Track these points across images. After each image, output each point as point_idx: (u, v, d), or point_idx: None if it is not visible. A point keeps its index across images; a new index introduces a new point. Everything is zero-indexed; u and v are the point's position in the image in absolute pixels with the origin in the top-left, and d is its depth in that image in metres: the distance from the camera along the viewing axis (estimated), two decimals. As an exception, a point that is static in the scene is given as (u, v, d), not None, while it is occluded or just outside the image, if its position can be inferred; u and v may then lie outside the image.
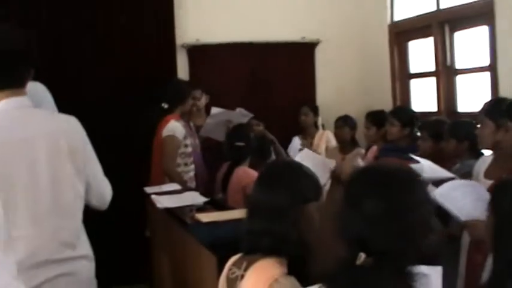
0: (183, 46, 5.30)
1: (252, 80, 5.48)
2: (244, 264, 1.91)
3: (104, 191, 2.45)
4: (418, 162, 2.92)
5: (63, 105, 2.75)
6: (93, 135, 2.43)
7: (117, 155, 4.46)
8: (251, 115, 4.68)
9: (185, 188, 3.90)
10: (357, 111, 5.18)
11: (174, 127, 4.30)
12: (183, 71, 5.31)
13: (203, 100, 5.00)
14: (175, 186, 3.91)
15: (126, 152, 4.77)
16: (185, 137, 4.35)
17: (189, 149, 4.40)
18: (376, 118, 4.46)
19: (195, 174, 4.48)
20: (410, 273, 1.49)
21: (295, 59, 5.60)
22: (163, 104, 4.41)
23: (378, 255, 1.48)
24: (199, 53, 5.35)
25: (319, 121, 5.36)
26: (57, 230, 2.23)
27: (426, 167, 2.81)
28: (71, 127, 2.34)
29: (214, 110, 4.70)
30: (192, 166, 4.43)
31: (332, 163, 2.46)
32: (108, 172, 2.47)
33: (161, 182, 4.12)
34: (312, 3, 5.62)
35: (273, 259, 1.86)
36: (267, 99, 5.48)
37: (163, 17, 5.16)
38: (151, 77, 4.95)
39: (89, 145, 2.39)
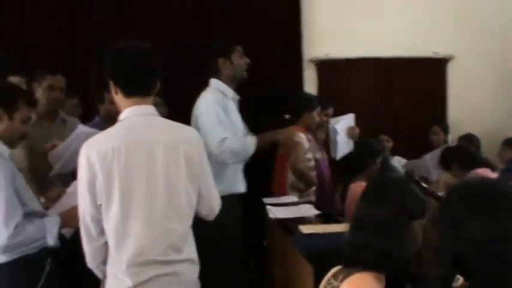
0: (311, 61, 5.34)
1: (380, 96, 5.41)
2: (341, 276, 1.91)
3: (213, 203, 2.54)
4: None
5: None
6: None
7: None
8: None
9: (302, 201, 3.92)
10: (489, 131, 4.96)
11: (300, 137, 4.29)
12: (310, 85, 5.35)
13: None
14: (292, 199, 3.96)
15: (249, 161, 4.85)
16: (307, 150, 4.36)
17: (312, 163, 4.39)
18: None
19: (322, 187, 4.45)
20: None
21: (426, 75, 5.45)
22: (286, 116, 4.46)
23: (476, 279, 1.41)
24: (328, 67, 5.37)
25: (449, 139, 5.19)
26: (167, 233, 2.34)
27: None
28: (190, 137, 2.46)
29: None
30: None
31: None
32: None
33: (283, 194, 4.18)
34: (444, 17, 5.46)
35: (371, 273, 1.84)
36: (395, 116, 5.38)
37: (291, 32, 5.23)
38: (277, 91, 5.00)
39: (205, 157, 2.49)
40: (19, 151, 3.12)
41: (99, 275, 2.43)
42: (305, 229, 2.87)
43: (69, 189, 2.90)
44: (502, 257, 1.43)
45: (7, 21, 4.89)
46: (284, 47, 5.25)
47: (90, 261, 2.41)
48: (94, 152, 2.28)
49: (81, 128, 3.48)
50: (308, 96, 4.73)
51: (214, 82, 3.76)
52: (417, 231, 1.90)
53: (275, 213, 3.46)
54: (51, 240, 2.68)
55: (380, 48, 5.31)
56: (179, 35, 5.09)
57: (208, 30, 5.10)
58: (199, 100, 3.69)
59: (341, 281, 1.89)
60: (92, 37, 5.04)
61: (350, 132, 4.80)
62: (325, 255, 2.27)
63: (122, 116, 2.39)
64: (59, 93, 3.78)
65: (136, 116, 2.37)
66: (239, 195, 3.72)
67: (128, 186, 2.28)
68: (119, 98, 2.40)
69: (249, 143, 3.51)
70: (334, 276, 1.96)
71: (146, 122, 2.38)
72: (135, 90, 2.37)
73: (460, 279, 1.42)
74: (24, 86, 3.12)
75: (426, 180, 4.82)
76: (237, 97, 3.80)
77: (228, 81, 3.76)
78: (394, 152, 5.27)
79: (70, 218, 2.71)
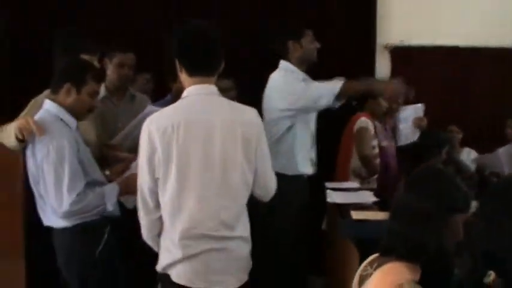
0: (385, 47, 5.25)
1: (454, 86, 5.27)
2: (376, 264, 1.92)
3: (269, 185, 2.58)
4: None
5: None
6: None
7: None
8: None
9: (363, 187, 3.91)
10: None
11: (365, 122, 4.29)
12: (383, 72, 5.26)
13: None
14: (354, 185, 3.96)
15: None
16: (373, 137, 4.32)
17: (376, 150, 4.36)
18: None
19: (386, 175, 4.41)
20: None
21: (504, 67, 5.24)
22: (353, 102, 4.42)
23: (508, 276, 1.39)
24: (402, 55, 5.26)
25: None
26: (220, 209, 2.40)
27: None
28: (249, 119, 2.50)
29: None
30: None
31: None
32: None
33: (345, 180, 4.19)
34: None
35: (405, 264, 1.84)
36: (468, 107, 5.23)
37: (364, 17, 5.13)
38: (348, 77, 4.94)
39: (263, 139, 2.53)
40: (88, 124, 3.27)
41: (155, 248, 2.52)
42: (356, 215, 2.88)
43: (133, 165, 3.02)
44: None
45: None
46: (356, 31, 5.13)
47: (146, 234, 2.50)
48: (154, 127, 2.37)
49: (150, 108, 3.59)
50: None
51: (284, 64, 3.82)
52: (458, 226, 1.85)
53: (333, 197, 3.50)
54: (110, 206, 2.83)
55: (457, 37, 5.14)
56: (246, 14, 5.08)
57: (277, 11, 5.06)
58: (273, 80, 3.75)
59: (375, 269, 1.90)
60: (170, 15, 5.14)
61: (417, 123, 4.72)
62: (373, 242, 2.27)
63: (184, 94, 2.47)
64: (128, 70, 3.91)
65: (198, 95, 2.44)
66: (306, 177, 3.81)
67: (185, 162, 2.36)
68: (183, 76, 2.47)
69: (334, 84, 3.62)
70: (370, 263, 1.97)
71: (207, 101, 2.45)
72: (198, 69, 2.44)
73: (492, 275, 1.40)
74: (94, 63, 3.24)
75: (498, 176, 4.69)
76: (308, 79, 3.84)
77: (297, 64, 3.81)
78: (465, 144, 5.15)
79: (127, 185, 2.85)
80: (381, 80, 3.77)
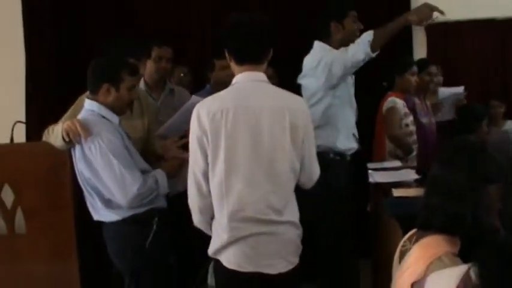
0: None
1: (494, 59, 5.20)
2: (414, 239, 1.94)
3: (312, 172, 2.64)
4: None
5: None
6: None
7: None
8: None
9: (405, 166, 3.91)
10: None
11: (393, 101, 4.26)
12: (420, 49, 5.23)
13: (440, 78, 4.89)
14: (395, 164, 3.95)
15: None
16: (405, 115, 4.30)
17: (411, 128, 4.33)
18: None
19: (425, 152, 4.39)
20: None
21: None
22: (384, 83, 4.41)
23: None
24: (438, 30, 5.21)
25: None
26: (267, 194, 2.46)
27: None
28: (297, 106, 2.56)
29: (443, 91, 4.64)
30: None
31: None
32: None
33: (383, 159, 4.19)
34: None
35: (444, 237, 1.86)
36: (508, 80, 5.16)
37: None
38: (386, 57, 4.89)
39: (310, 127, 2.60)
40: (138, 122, 3.39)
41: (208, 231, 2.57)
42: (398, 192, 2.90)
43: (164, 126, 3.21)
44: None
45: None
46: (391, 9, 5.06)
47: (199, 218, 2.54)
48: (205, 111, 2.44)
49: (194, 98, 3.66)
50: (398, 59, 4.49)
51: (318, 44, 3.70)
52: (493, 196, 1.87)
53: (375, 177, 3.50)
54: (163, 190, 2.95)
55: (493, 9, 5.06)
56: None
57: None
58: (307, 62, 3.68)
59: (414, 243, 1.92)
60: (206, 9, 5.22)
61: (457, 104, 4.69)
62: (415, 218, 2.28)
63: (234, 81, 2.54)
64: (165, 63, 4.00)
65: (247, 82, 2.52)
66: (349, 158, 3.78)
67: (233, 147, 2.42)
68: (233, 65, 2.55)
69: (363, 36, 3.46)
70: (410, 238, 1.99)
71: (256, 88, 2.52)
72: (246, 58, 2.51)
73: None
74: (141, 68, 3.31)
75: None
76: None
77: (337, 46, 3.65)
78: (508, 117, 5.09)
79: (171, 168, 3.02)
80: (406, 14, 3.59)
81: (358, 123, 4.06)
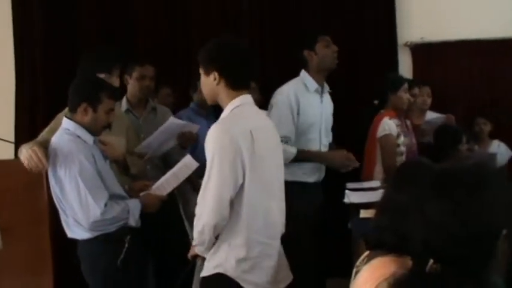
0: (406, 45, 5.26)
1: (479, 80, 5.23)
2: (366, 260, 1.96)
3: None
4: None
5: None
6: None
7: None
8: None
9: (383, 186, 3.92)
10: None
11: (388, 125, 4.26)
12: (406, 70, 5.27)
13: (426, 99, 4.93)
14: (374, 184, 3.96)
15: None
16: (398, 136, 4.32)
17: (402, 148, 4.36)
18: None
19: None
20: (484, 283, 1.42)
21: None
22: (374, 101, 4.44)
23: (447, 261, 1.44)
24: (423, 51, 5.26)
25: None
26: (282, 207, 2.65)
27: None
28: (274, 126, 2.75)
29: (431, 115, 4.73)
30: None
31: None
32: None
33: (371, 179, 4.19)
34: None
35: (393, 258, 1.87)
36: (495, 100, 5.18)
37: (384, 16, 5.16)
38: (371, 76, 4.94)
39: None
40: (121, 140, 3.46)
41: (208, 250, 2.56)
42: (365, 213, 2.94)
43: (155, 186, 3.14)
44: (465, 238, 1.43)
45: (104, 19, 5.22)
46: (377, 30, 5.18)
47: (208, 235, 2.49)
48: (237, 131, 2.45)
49: (172, 119, 3.73)
50: (390, 77, 4.53)
51: (302, 73, 3.84)
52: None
53: (350, 197, 3.55)
54: (133, 222, 2.96)
55: (478, 31, 5.10)
56: (275, 21, 5.19)
57: (300, 13, 5.15)
58: (278, 90, 3.81)
59: (365, 264, 1.95)
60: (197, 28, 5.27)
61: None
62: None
63: (236, 103, 2.55)
64: (149, 82, 4.05)
65: (248, 104, 2.59)
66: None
67: (261, 165, 2.50)
68: (220, 86, 2.55)
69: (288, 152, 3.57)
70: (363, 259, 2.02)
71: (254, 109, 2.64)
72: (244, 83, 2.59)
73: (430, 262, 1.45)
74: (113, 81, 3.36)
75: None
76: (323, 89, 3.86)
77: (315, 73, 3.78)
78: (495, 137, 5.10)
79: (151, 204, 3.04)
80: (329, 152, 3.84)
81: (347, 140, 4.24)
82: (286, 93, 3.73)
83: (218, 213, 2.45)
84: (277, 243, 2.61)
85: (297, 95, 3.72)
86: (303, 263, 3.58)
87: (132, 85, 4.02)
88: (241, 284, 2.51)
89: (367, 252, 2.03)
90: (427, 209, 1.49)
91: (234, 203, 2.47)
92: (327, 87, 3.91)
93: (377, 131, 4.29)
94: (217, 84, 2.55)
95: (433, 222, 1.47)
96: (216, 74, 2.53)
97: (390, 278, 1.79)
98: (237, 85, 2.55)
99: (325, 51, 3.77)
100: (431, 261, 1.46)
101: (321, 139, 3.88)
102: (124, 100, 4.07)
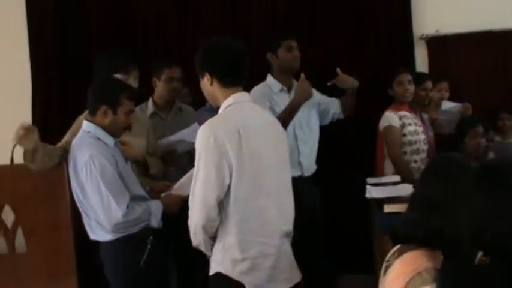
0: (421, 38, 5.20)
1: (495, 71, 5.17)
2: (396, 254, 1.95)
3: None
4: None
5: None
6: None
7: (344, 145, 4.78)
8: None
9: (405, 179, 3.90)
10: None
11: (387, 118, 4.29)
12: (421, 63, 5.22)
13: (444, 93, 4.89)
14: (394, 178, 3.95)
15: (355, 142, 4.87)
16: (403, 126, 4.28)
17: (410, 138, 4.30)
18: None
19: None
20: None
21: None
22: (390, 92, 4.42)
23: (496, 254, 1.43)
24: (439, 44, 5.20)
25: None
26: (283, 205, 2.59)
27: None
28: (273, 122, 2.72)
29: (447, 105, 4.66)
30: (413, 157, 4.33)
31: None
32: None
33: (381, 174, 4.22)
34: None
35: (425, 252, 1.87)
36: (512, 91, 5.13)
37: (399, 9, 5.10)
38: (387, 71, 4.88)
39: None
40: (141, 141, 3.46)
41: (208, 251, 2.58)
42: (389, 208, 2.92)
43: (176, 186, 3.13)
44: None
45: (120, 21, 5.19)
46: (392, 24, 5.10)
47: (201, 239, 2.52)
48: (222, 131, 2.45)
49: (195, 126, 3.69)
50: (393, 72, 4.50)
51: (267, 76, 4.04)
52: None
53: (372, 192, 3.53)
54: (155, 223, 2.96)
55: (492, 22, 5.04)
56: (287, 19, 5.13)
57: (314, 8, 5.09)
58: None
59: (396, 258, 1.94)
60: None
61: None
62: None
63: (229, 101, 2.56)
64: (177, 83, 4.06)
65: (244, 102, 2.59)
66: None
67: (256, 164, 2.48)
68: (214, 87, 2.57)
69: None
70: (393, 254, 2.01)
71: (251, 106, 2.63)
72: (234, 80, 2.58)
73: (479, 255, 1.44)
74: (131, 82, 3.35)
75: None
76: (290, 87, 4.00)
77: (277, 75, 4.01)
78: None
79: (172, 204, 3.02)
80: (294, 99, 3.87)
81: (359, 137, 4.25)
82: (257, 95, 3.79)
83: (205, 214, 2.45)
84: (276, 243, 2.54)
85: (267, 96, 3.90)
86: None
87: (161, 87, 4.02)
88: (243, 283, 2.51)
89: (397, 247, 2.02)
90: (475, 202, 1.48)
91: (224, 203, 2.47)
92: (295, 84, 3.97)
93: (380, 126, 4.33)
94: (211, 84, 2.57)
95: (483, 215, 1.46)
96: (208, 75, 2.56)
97: (424, 272, 1.79)
98: (227, 82, 2.55)
99: (285, 55, 3.97)
100: (480, 253, 1.44)
101: (295, 132, 3.97)
102: (150, 102, 4.07)
